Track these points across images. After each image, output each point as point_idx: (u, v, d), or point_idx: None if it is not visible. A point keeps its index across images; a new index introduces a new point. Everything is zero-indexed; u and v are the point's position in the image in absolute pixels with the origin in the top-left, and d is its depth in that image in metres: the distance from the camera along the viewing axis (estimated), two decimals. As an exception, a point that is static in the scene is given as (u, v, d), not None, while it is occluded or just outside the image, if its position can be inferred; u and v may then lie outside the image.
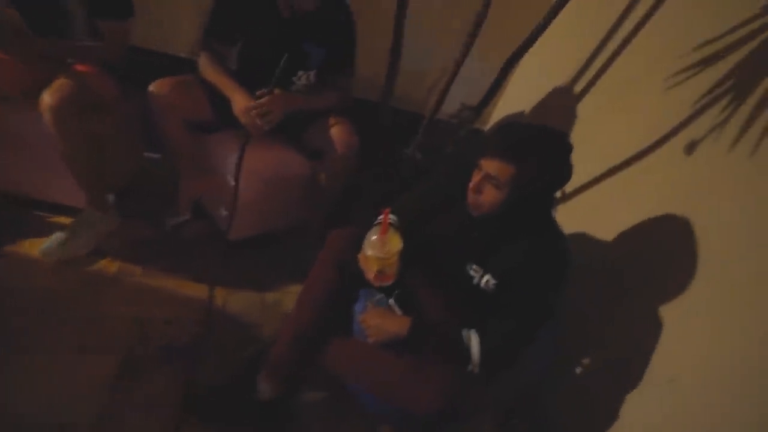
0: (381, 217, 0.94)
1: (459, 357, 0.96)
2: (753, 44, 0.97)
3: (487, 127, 2.00)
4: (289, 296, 1.43)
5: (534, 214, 0.98)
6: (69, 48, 1.21)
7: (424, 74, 1.79)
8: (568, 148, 0.90)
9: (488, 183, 0.90)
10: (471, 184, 0.92)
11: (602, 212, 1.31)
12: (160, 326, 1.23)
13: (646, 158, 1.18)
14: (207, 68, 1.30)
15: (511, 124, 0.97)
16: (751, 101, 0.94)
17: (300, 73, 1.36)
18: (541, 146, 0.89)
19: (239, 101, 1.23)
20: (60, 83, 1.11)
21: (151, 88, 1.22)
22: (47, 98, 1.09)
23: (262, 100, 1.20)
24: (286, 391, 1.08)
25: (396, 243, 0.91)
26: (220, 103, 1.29)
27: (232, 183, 1.26)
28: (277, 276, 1.50)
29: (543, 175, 0.88)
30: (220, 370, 1.13)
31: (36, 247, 1.29)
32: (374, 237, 0.90)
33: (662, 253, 1.10)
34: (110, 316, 1.21)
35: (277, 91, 1.22)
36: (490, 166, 0.88)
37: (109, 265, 1.34)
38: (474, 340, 0.95)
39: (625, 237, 1.22)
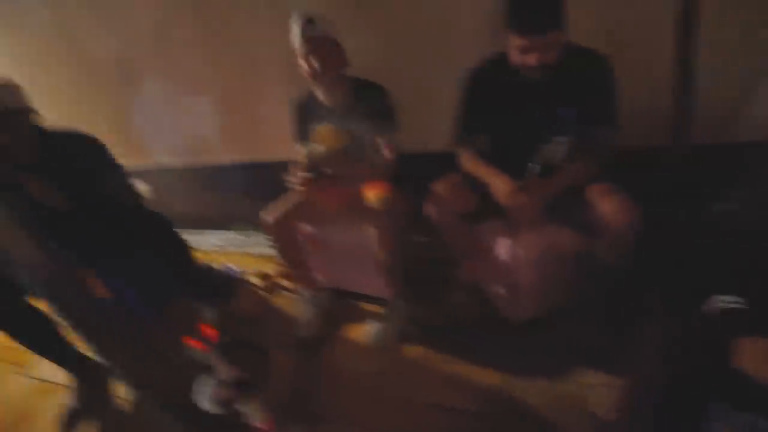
0: None
1: None
2: None
3: None
4: (590, 390, 1.23)
5: None
6: (362, 172, 1.48)
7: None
8: None
9: None
10: None
11: None
12: (464, 417, 1.27)
13: None
14: (467, 161, 1.37)
15: None
16: None
17: (555, 139, 1.25)
18: None
19: (499, 189, 1.23)
20: (378, 202, 1.40)
21: (431, 193, 1.35)
22: (375, 221, 1.39)
23: (521, 199, 1.17)
24: None
25: None
26: (485, 192, 1.31)
27: (508, 269, 1.24)
28: (570, 363, 1.33)
29: None
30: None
31: (353, 331, 1.61)
32: None
33: None
34: (420, 403, 1.34)
35: (533, 183, 1.18)
36: None
37: (415, 351, 1.52)
38: None
39: None
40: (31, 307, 1.44)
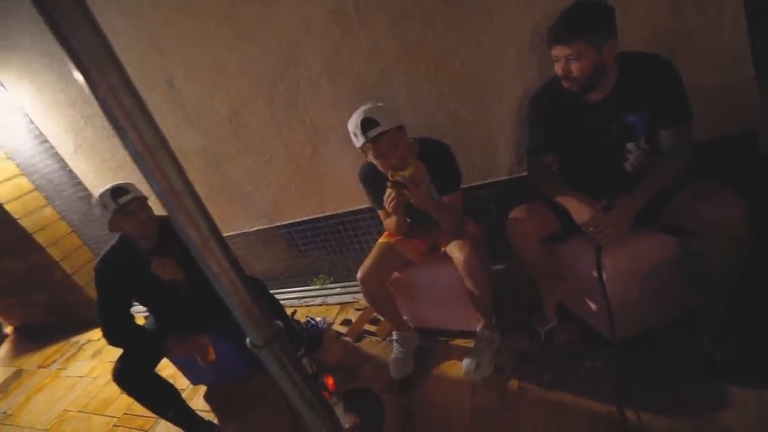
0: None
1: None
2: None
3: None
4: (739, 409, 1.11)
5: None
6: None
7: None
8: None
9: None
10: None
11: None
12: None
13: None
14: (542, 185, 1.39)
15: None
16: None
17: (629, 146, 1.25)
18: None
19: (578, 214, 1.23)
20: (461, 243, 1.45)
21: (510, 219, 1.38)
22: (459, 255, 1.43)
23: (604, 223, 1.16)
24: None
25: None
26: (565, 213, 1.31)
27: (596, 287, 1.21)
28: (690, 382, 1.24)
29: None
30: None
31: (448, 367, 1.62)
32: None
33: None
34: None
35: (617, 206, 1.16)
36: None
37: (512, 381, 1.49)
38: None
39: None
40: (157, 375, 1.62)
